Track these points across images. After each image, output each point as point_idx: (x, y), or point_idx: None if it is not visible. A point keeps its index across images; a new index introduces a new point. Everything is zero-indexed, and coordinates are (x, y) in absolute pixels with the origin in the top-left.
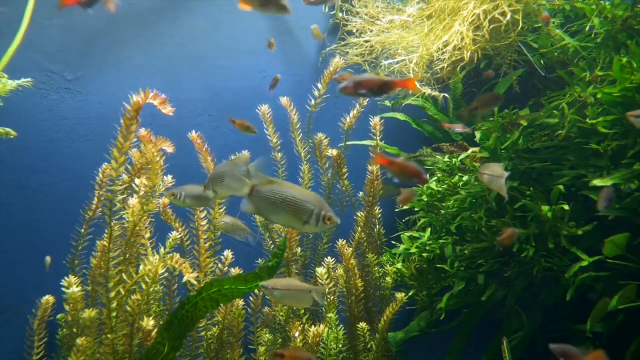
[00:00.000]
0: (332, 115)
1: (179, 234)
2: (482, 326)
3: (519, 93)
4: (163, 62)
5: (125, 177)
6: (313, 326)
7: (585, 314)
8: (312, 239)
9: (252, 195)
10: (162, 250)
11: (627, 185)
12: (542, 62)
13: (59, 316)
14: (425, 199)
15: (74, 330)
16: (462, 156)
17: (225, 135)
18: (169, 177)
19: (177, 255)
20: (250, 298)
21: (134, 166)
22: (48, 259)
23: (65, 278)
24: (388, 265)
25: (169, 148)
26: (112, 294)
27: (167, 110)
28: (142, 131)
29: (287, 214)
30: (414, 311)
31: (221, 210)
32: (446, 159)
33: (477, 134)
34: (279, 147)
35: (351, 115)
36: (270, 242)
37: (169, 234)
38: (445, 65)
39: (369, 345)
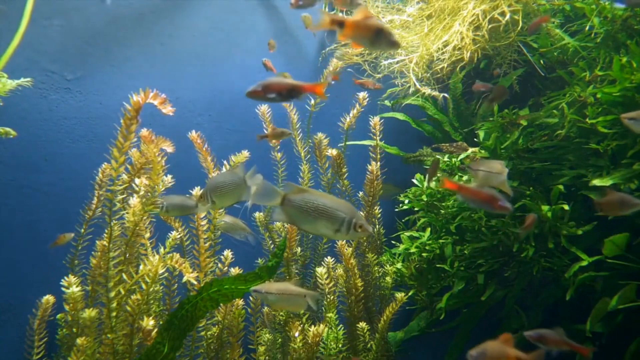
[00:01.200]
0: (331, 115)
1: (179, 234)
2: (482, 326)
3: (518, 93)
4: (163, 62)
5: (125, 177)
6: (313, 326)
7: (585, 314)
8: (312, 239)
9: (283, 205)
10: (162, 250)
11: (627, 185)
12: (541, 62)
13: (59, 316)
14: (425, 199)
15: (74, 330)
16: (461, 156)
17: (225, 135)
18: (169, 177)
19: (177, 255)
20: (250, 298)
21: (134, 166)
22: (67, 235)
23: (65, 278)
24: (388, 265)
25: (169, 148)
26: (112, 294)
27: (167, 110)
28: (144, 131)
29: (319, 222)
30: (413, 311)
31: (221, 210)
32: (446, 159)
33: (480, 134)
34: (278, 147)
35: (351, 115)
36: (270, 242)
37: (169, 234)
38: (445, 65)
39: (368, 345)
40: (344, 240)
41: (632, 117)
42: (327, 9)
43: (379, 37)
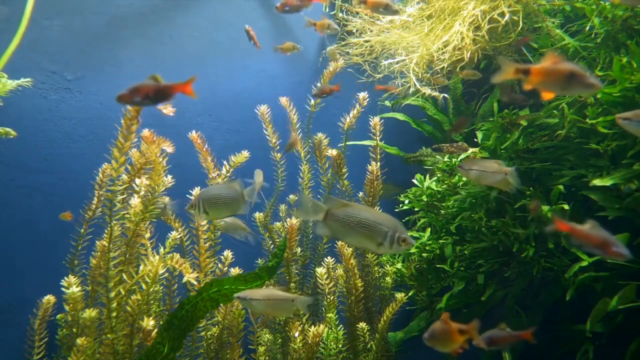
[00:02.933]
0: (331, 115)
1: (179, 234)
2: (482, 326)
3: (518, 93)
4: (163, 62)
5: (125, 177)
6: (313, 326)
7: (585, 314)
8: (312, 239)
9: (326, 220)
10: (162, 250)
11: (627, 185)
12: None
13: (59, 316)
14: (425, 199)
15: (74, 330)
16: (462, 156)
17: (225, 135)
18: (169, 177)
19: (177, 256)
20: None
21: (134, 166)
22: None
23: (65, 278)
24: (388, 266)
25: (169, 148)
26: (112, 294)
27: (168, 110)
28: (145, 131)
29: (362, 236)
30: (413, 311)
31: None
32: (446, 159)
33: (479, 134)
34: (278, 147)
35: (351, 115)
36: (270, 242)
37: (169, 234)
38: (445, 65)
39: (368, 346)
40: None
41: (627, 117)
42: (327, 9)
43: (571, 81)
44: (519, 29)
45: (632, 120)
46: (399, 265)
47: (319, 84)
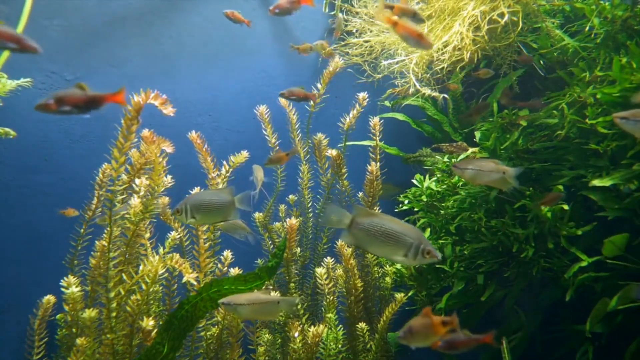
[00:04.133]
0: (331, 116)
1: (179, 234)
2: (482, 326)
3: (518, 93)
4: (162, 62)
5: (125, 177)
6: (312, 326)
7: (585, 314)
8: (312, 239)
9: (351, 228)
10: (161, 250)
11: (627, 186)
12: (541, 62)
13: (58, 316)
14: (425, 199)
15: (74, 330)
16: (461, 156)
17: (224, 136)
18: (169, 177)
19: (176, 256)
20: None
21: (134, 166)
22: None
23: (65, 278)
24: (387, 266)
25: (168, 148)
26: (112, 294)
27: (168, 111)
28: (145, 132)
29: (387, 246)
30: (413, 311)
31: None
32: (445, 159)
33: (477, 135)
34: (277, 147)
35: (351, 115)
36: (270, 242)
37: (169, 234)
38: (445, 65)
39: (368, 346)
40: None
41: (623, 116)
42: (327, 10)
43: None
44: (519, 29)
45: (629, 120)
46: (398, 266)
47: (271, 154)
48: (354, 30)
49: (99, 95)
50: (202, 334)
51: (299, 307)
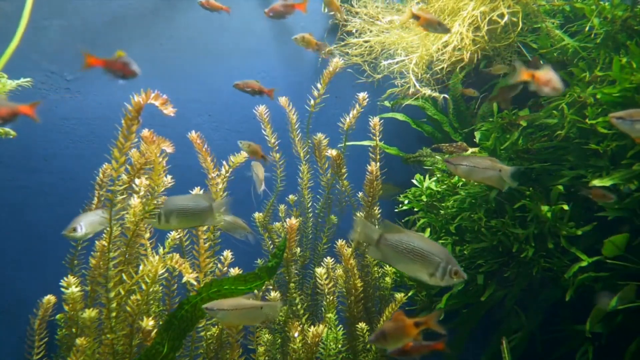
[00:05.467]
0: (331, 116)
1: (179, 234)
2: (482, 327)
3: (518, 94)
4: (162, 63)
5: (125, 177)
6: (312, 326)
7: (585, 314)
8: (312, 239)
9: (379, 243)
10: (161, 250)
11: (627, 186)
12: (541, 62)
13: (58, 316)
14: (425, 199)
15: (74, 330)
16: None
17: (225, 136)
18: (169, 177)
19: (176, 256)
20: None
21: (134, 166)
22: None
23: (65, 278)
24: (387, 266)
25: (168, 148)
26: (112, 294)
27: (169, 111)
28: (145, 132)
29: (414, 264)
30: (413, 312)
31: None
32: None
33: (477, 135)
34: (277, 147)
35: (351, 115)
36: (270, 242)
37: (168, 234)
38: (445, 65)
39: (368, 346)
40: (343, 241)
41: (619, 116)
42: (326, 10)
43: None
44: (519, 29)
45: (625, 120)
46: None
47: (250, 144)
48: (354, 31)
49: (12, 107)
50: (202, 334)
51: (299, 306)
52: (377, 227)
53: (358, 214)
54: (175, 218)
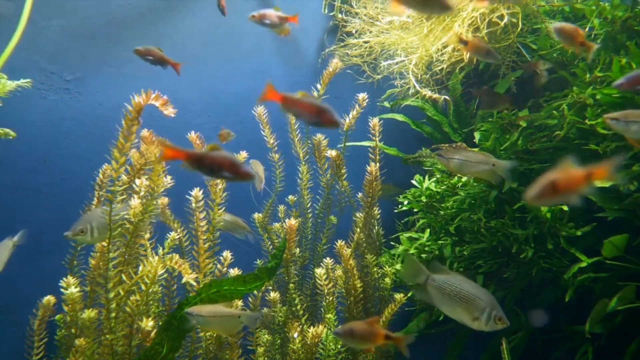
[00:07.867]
0: None
1: (178, 234)
2: None
3: (517, 94)
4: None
5: (124, 177)
6: (312, 327)
7: (585, 314)
8: (311, 240)
9: (426, 284)
10: (161, 251)
11: (627, 187)
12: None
13: (57, 317)
14: (425, 200)
15: (73, 331)
16: None
17: None
18: (169, 178)
19: (176, 256)
20: (249, 299)
21: (134, 167)
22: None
23: (64, 279)
24: (387, 266)
25: None
26: (112, 295)
27: (169, 111)
28: (145, 132)
29: (459, 308)
30: (413, 312)
31: (221, 210)
32: None
33: (477, 135)
34: (276, 147)
35: (350, 116)
36: (269, 243)
37: (168, 235)
38: (445, 66)
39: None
40: (343, 241)
41: (614, 117)
42: (326, 11)
43: None
44: (518, 30)
45: (619, 121)
46: (398, 266)
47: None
48: (354, 31)
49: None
50: (202, 334)
51: (299, 307)
52: (424, 267)
53: (358, 215)
54: (103, 230)
